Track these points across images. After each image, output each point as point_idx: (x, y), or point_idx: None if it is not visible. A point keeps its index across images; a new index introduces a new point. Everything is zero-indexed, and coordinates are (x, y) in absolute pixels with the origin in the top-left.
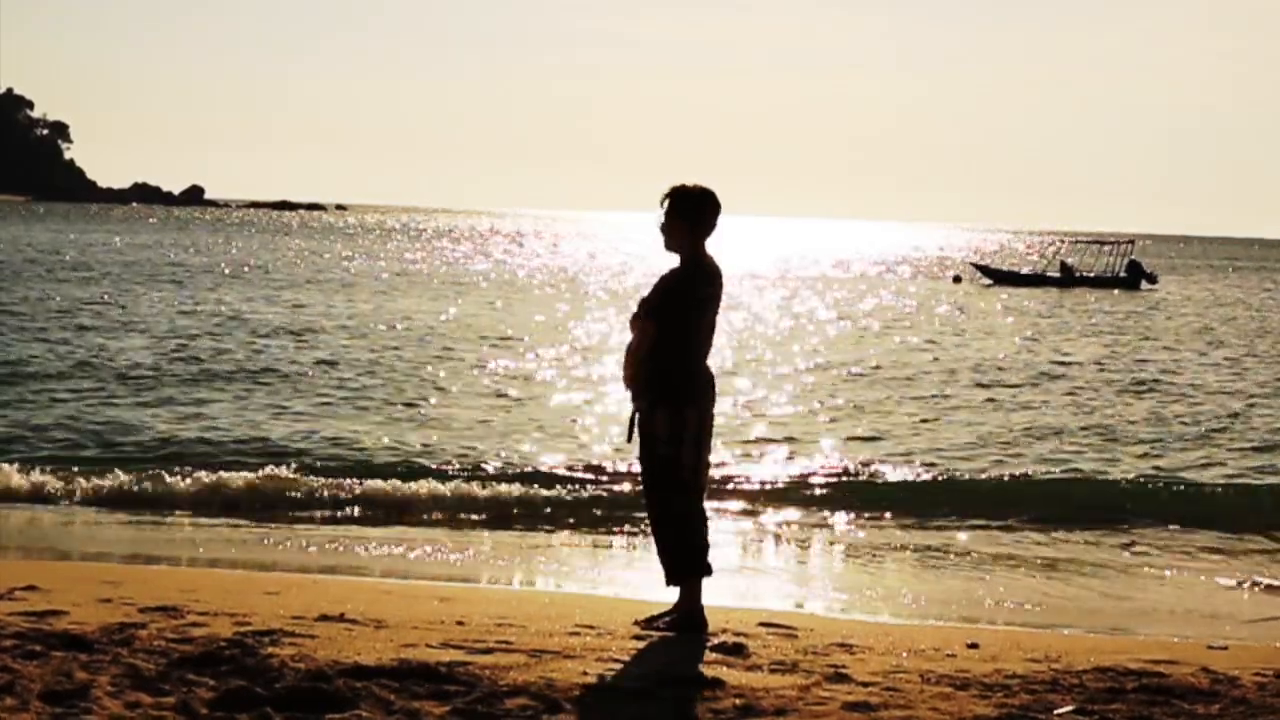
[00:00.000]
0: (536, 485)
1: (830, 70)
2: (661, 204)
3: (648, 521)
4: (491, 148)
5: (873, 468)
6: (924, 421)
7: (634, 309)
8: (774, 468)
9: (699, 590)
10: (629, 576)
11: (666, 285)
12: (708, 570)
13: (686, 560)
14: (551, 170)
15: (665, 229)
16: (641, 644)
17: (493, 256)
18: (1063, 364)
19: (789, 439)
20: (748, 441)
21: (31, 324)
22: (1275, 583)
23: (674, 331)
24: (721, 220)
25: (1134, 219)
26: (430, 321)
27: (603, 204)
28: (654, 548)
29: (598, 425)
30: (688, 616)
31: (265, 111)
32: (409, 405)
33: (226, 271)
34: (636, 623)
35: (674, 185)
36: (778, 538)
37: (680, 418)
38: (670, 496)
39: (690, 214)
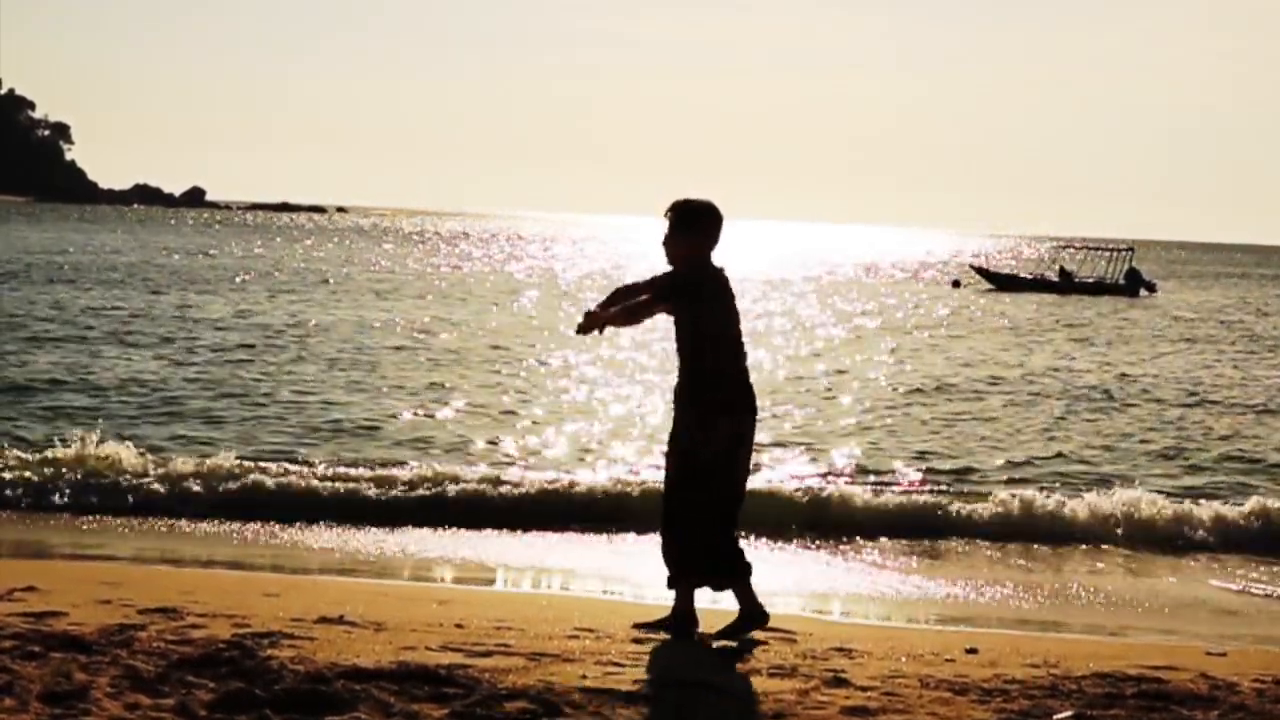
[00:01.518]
0: (536, 485)
1: (830, 70)
2: (666, 216)
3: (663, 522)
4: (491, 148)
5: (882, 476)
6: (935, 432)
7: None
8: (785, 473)
9: (692, 594)
10: (629, 579)
11: (675, 279)
12: (712, 578)
13: (691, 563)
14: (551, 170)
15: (669, 243)
16: (640, 647)
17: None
18: (1130, 378)
19: (806, 446)
20: (772, 446)
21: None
22: (1273, 591)
23: (700, 337)
24: (725, 226)
25: (1134, 220)
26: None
27: (603, 205)
28: (659, 549)
29: (605, 425)
30: (681, 619)
31: (265, 112)
32: (416, 404)
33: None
34: (635, 625)
35: (677, 200)
36: (779, 542)
37: (712, 422)
38: (691, 499)
39: (694, 228)
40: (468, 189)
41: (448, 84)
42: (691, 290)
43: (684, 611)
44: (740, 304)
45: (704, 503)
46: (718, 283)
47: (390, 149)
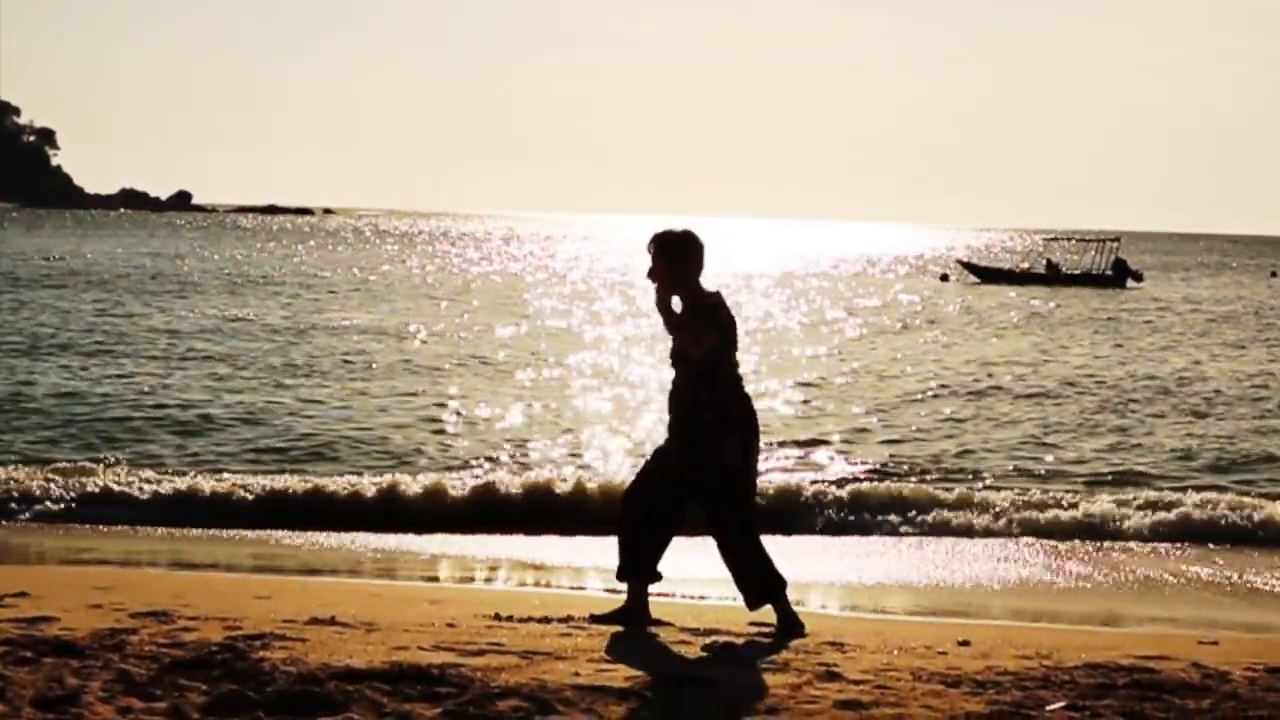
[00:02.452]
0: (531, 485)
1: (830, 70)
2: (648, 250)
3: (641, 519)
4: (491, 148)
5: (880, 472)
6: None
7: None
8: (782, 471)
9: (646, 590)
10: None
11: (696, 310)
12: (657, 576)
13: (657, 562)
14: (551, 170)
15: (654, 275)
16: (632, 644)
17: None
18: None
19: (807, 444)
20: (800, 443)
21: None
22: (1261, 585)
23: (713, 361)
24: (721, 226)
25: (1134, 220)
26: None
27: (603, 205)
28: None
29: (605, 426)
30: (636, 612)
31: (258, 113)
32: (418, 406)
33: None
34: (593, 618)
35: (656, 233)
36: (773, 537)
37: (720, 439)
38: (679, 499)
39: (677, 258)
40: (467, 189)
41: (447, 84)
42: (710, 315)
43: (639, 607)
44: (744, 301)
45: (668, 504)
46: (724, 307)
47: (388, 149)
